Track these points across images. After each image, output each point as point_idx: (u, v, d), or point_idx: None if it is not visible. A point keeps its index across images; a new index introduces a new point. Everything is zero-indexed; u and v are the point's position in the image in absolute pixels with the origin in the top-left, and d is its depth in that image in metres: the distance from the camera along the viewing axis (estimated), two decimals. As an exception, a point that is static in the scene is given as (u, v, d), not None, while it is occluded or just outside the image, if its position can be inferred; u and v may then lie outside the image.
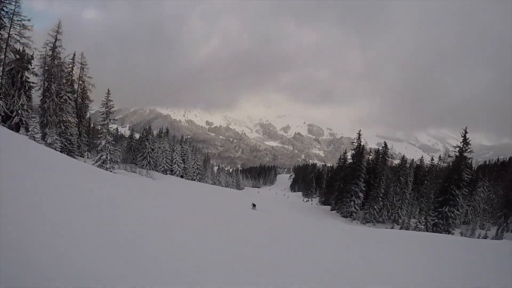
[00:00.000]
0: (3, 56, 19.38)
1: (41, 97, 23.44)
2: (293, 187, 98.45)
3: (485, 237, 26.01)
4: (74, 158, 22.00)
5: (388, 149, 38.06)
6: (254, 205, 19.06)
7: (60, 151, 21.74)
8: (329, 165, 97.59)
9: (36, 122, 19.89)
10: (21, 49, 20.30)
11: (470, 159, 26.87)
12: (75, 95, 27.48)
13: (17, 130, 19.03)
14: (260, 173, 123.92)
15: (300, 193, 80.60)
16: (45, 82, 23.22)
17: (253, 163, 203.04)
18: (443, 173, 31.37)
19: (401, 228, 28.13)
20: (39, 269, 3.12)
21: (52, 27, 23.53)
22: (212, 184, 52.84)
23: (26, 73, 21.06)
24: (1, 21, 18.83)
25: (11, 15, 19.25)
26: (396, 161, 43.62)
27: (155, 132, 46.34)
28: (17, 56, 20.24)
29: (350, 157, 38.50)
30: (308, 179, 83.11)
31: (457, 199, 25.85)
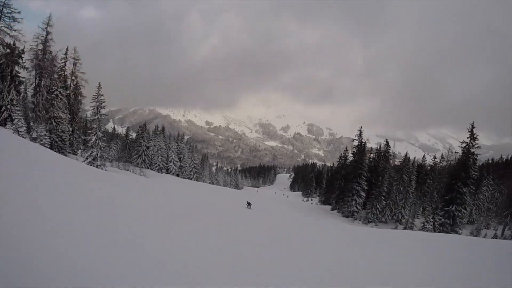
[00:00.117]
0: (-8, 50, 19.28)
1: (33, 92, 23.34)
2: (292, 187, 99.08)
3: (495, 236, 25.64)
4: (65, 155, 21.98)
5: (389, 147, 38.19)
6: (249, 204, 18.85)
7: (50, 148, 21.69)
8: (328, 164, 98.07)
9: (20, 115, 19.68)
10: (11, 42, 20.15)
11: (478, 155, 26.46)
12: (68, 91, 27.32)
13: (5, 125, 18.98)
14: (259, 173, 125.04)
15: (299, 193, 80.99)
16: (37, 77, 23.10)
17: (253, 163, 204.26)
18: (447, 171, 31.39)
19: (405, 228, 28.07)
20: (39, 269, 3.21)
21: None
22: (210, 183, 52.97)
23: (17, 68, 20.93)
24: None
25: (0, 7, 19.10)
26: (397, 161, 43.69)
27: (151, 130, 46.23)
28: (8, 50, 20.09)
29: (351, 155, 38.61)
30: (308, 179, 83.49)
31: (464, 197, 25.47)
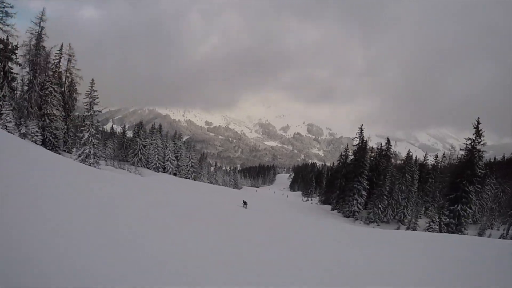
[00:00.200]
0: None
1: (27, 88, 23.26)
2: (292, 187, 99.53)
3: (504, 236, 25.34)
4: (59, 153, 21.95)
5: (391, 145, 38.29)
6: (245, 203, 18.66)
7: (42, 145, 21.61)
8: (328, 164, 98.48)
9: (9, 110, 19.49)
10: (4, 38, 20.05)
11: (483, 152, 26.09)
12: (63, 88, 27.23)
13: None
14: (259, 173, 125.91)
15: (299, 193, 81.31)
16: (30, 73, 23.00)
17: (253, 163, 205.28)
18: (450, 170, 31.22)
19: (407, 229, 27.84)
20: (39, 269, 3.27)
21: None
22: (208, 182, 53.03)
23: (10, 63, 20.85)
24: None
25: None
26: (399, 161, 43.83)
27: (148, 129, 46.18)
28: (0, 46, 20.01)
29: (351, 154, 38.67)
30: (307, 179, 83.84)
31: (470, 196, 25.16)
